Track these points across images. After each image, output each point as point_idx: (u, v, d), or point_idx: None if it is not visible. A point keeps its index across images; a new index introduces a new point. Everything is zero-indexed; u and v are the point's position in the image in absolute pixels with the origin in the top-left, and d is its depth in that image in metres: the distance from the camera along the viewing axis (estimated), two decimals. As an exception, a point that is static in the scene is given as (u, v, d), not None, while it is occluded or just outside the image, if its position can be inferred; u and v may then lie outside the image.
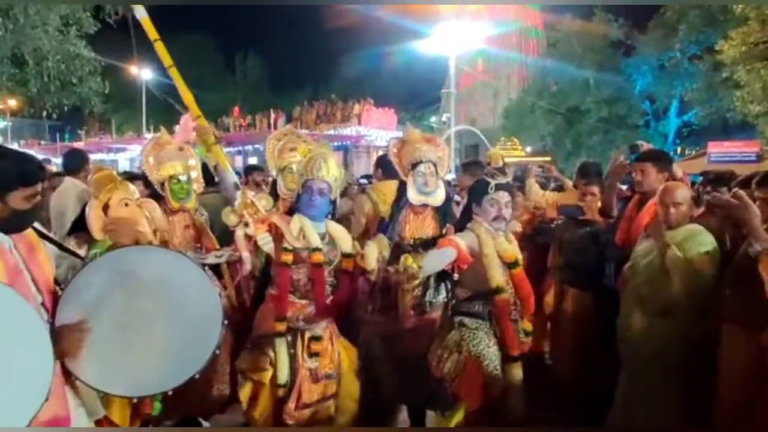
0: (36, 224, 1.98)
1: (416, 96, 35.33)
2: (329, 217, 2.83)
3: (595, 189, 3.92)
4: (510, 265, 2.71)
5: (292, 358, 2.67)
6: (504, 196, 2.71)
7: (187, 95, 2.37)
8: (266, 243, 2.50)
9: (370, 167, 10.70)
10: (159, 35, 2.65)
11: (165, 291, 1.99)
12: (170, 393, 1.93)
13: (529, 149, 27.27)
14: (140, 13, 2.24)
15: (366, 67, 36.63)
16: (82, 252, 2.46)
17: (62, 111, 11.74)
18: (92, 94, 10.82)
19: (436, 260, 2.66)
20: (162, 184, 3.22)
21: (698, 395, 2.73)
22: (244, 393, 2.69)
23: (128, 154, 25.86)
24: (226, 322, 2.03)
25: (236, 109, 27.20)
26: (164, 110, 29.68)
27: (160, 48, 2.27)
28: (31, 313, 1.64)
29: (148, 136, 20.55)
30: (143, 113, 27.01)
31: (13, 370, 1.58)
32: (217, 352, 2.00)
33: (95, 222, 2.59)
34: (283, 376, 2.64)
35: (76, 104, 11.22)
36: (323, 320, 2.74)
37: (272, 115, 23.06)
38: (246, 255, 2.60)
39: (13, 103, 20.62)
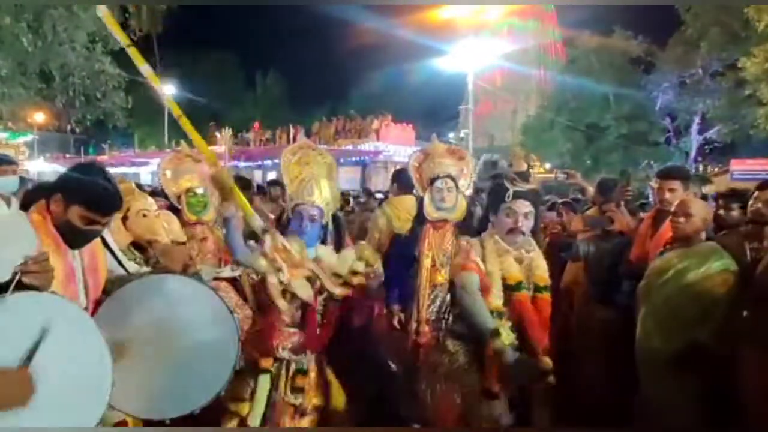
0: (105, 233, 2.02)
1: (434, 112, 35.44)
2: (319, 242, 2.61)
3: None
4: (511, 287, 2.35)
5: (273, 390, 2.42)
6: (523, 206, 2.35)
7: (202, 145, 2.45)
8: (305, 290, 2.28)
9: (387, 182, 10.73)
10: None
11: (193, 322, 2.03)
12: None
13: (548, 166, 27.06)
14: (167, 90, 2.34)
15: (385, 84, 36.94)
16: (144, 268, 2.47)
17: (87, 125, 12.06)
18: (116, 109, 11.12)
19: (482, 305, 2.29)
20: (179, 198, 3.27)
21: (717, 418, 2.63)
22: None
23: (150, 168, 26.33)
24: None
25: (257, 124, 27.56)
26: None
27: (185, 124, 2.40)
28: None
29: (170, 150, 20.97)
30: (165, 128, 27.53)
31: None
32: (223, 393, 2.03)
33: (115, 233, 2.59)
34: (258, 412, 2.38)
35: (100, 118, 11.49)
36: (311, 352, 2.49)
37: (291, 131, 23.33)
38: (283, 303, 2.36)
39: (40, 117, 21.17)
